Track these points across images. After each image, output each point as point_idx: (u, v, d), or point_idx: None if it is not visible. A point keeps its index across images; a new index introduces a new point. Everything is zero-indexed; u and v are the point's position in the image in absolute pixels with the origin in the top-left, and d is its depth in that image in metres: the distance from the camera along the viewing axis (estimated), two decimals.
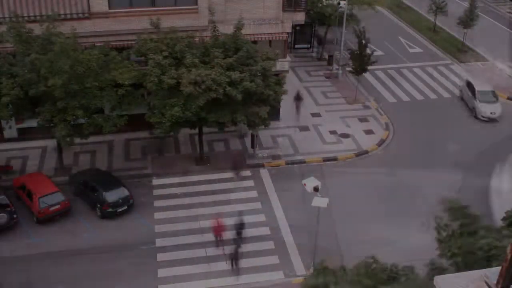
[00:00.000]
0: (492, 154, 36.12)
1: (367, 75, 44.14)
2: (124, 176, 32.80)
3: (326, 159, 35.47)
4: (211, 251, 28.16)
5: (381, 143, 37.58)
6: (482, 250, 16.01)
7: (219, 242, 28.24)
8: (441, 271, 16.57)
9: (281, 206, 31.34)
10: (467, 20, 49.28)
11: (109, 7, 32.83)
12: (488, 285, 11.38)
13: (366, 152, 36.57)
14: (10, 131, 35.39)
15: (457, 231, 16.41)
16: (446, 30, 54.95)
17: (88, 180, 31.22)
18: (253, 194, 32.37)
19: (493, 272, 11.54)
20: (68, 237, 28.89)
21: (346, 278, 16.84)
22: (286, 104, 37.86)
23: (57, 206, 29.62)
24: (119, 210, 30.10)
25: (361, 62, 40.83)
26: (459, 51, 50.68)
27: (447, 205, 16.58)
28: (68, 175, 32.88)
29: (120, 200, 30.16)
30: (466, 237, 16.23)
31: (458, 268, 16.23)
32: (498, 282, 11.14)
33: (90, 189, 30.83)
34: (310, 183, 25.85)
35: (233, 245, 27.43)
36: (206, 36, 32.85)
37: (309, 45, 50.33)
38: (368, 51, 41.25)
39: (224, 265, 27.39)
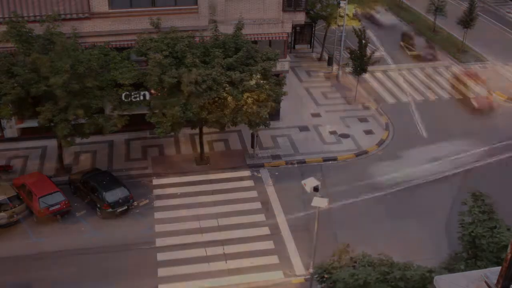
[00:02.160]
0: (493, 154, 36.23)
1: (366, 75, 44.21)
2: (124, 176, 32.87)
3: (326, 159, 35.51)
4: (211, 251, 28.21)
5: (381, 143, 37.63)
6: (496, 243, 16.56)
7: None
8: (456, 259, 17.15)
9: (281, 206, 31.39)
10: (467, 20, 49.36)
11: (110, 7, 32.87)
12: (488, 285, 11.43)
13: (366, 152, 36.62)
14: (11, 130, 35.43)
15: (479, 217, 17.13)
16: (446, 30, 55.03)
17: (88, 180, 31.26)
18: (253, 194, 32.41)
19: (493, 272, 11.61)
20: (68, 237, 28.93)
21: (362, 263, 17.33)
22: (287, 104, 37.91)
23: (57, 206, 29.64)
24: (119, 210, 30.15)
25: (361, 62, 40.87)
26: (459, 51, 50.74)
27: (471, 193, 17.45)
28: (68, 175, 32.92)
29: (120, 200, 30.21)
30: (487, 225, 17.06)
31: (472, 254, 16.79)
32: (498, 282, 11.19)
33: (90, 189, 30.89)
34: (310, 183, 25.81)
35: None
36: (206, 36, 32.89)
37: (309, 45, 50.38)
38: (369, 51, 41.30)
39: (224, 265, 27.43)
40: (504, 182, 33.16)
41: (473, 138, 37.85)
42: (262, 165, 34.85)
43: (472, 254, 17.57)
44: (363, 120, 40.10)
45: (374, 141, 37.74)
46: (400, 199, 32.05)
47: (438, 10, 52.81)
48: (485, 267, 16.12)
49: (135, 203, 30.72)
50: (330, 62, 47.23)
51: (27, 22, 30.65)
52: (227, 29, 32.81)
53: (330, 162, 35.34)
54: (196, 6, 33.82)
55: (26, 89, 28.91)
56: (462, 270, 16.42)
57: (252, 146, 35.29)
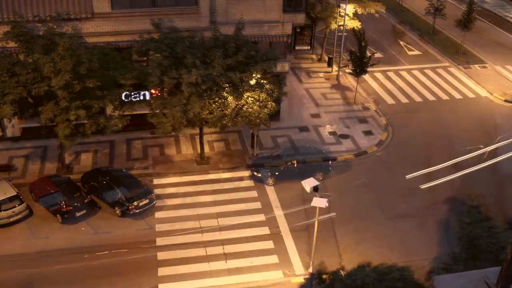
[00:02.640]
0: (493, 156, 36.38)
1: (366, 76, 44.34)
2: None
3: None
4: (211, 250, 28.31)
5: (380, 144, 37.76)
6: (494, 243, 16.74)
7: None
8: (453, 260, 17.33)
9: (281, 206, 31.50)
10: (466, 22, 49.51)
11: (111, 8, 32.95)
12: (488, 285, 11.55)
13: (365, 152, 36.75)
14: (12, 130, 35.48)
15: (477, 218, 17.34)
16: (445, 32, 55.14)
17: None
18: (253, 194, 32.52)
19: (493, 272, 11.72)
20: (68, 237, 29.01)
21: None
22: (287, 104, 38.02)
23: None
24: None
25: (360, 63, 40.97)
26: (457, 53, 50.86)
27: (467, 195, 17.68)
28: (69, 174, 32.97)
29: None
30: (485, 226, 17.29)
31: (471, 254, 16.97)
32: (498, 282, 11.32)
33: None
34: (310, 183, 25.97)
35: None
36: (207, 36, 33.00)
37: (309, 46, 50.47)
38: (368, 53, 41.41)
39: (224, 265, 27.54)
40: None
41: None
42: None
43: (470, 254, 17.68)
44: (362, 120, 40.23)
45: (374, 141, 37.88)
46: (397, 200, 32.19)
47: (437, 11, 52.96)
48: (484, 268, 16.28)
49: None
50: (330, 63, 47.36)
51: (27, 22, 30.71)
52: (228, 30, 32.90)
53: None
54: (196, 7, 33.95)
55: (27, 89, 28.99)
56: (461, 271, 16.56)
57: (252, 146, 35.39)
